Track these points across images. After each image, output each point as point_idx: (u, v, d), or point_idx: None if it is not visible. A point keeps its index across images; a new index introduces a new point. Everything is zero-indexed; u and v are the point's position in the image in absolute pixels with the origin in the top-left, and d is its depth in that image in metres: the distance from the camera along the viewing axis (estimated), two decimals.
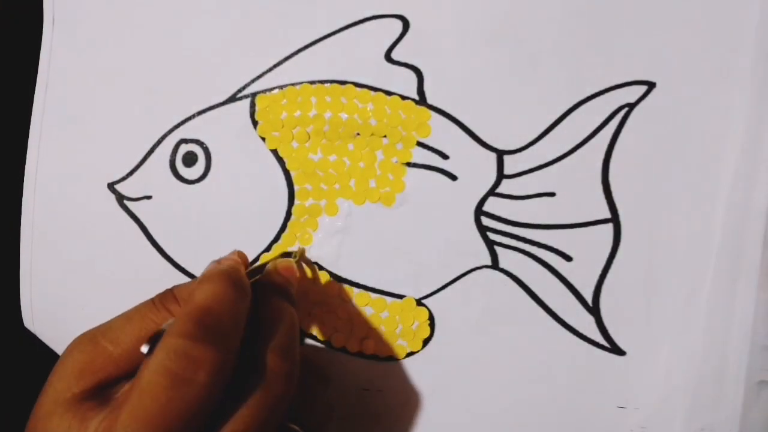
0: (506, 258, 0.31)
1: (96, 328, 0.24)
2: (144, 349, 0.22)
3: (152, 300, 0.25)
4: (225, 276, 0.24)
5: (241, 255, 0.29)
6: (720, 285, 0.30)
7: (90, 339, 0.24)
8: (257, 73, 0.32)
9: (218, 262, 0.26)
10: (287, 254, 0.31)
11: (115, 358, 0.23)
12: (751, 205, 0.30)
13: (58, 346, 0.35)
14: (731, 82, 0.30)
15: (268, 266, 0.29)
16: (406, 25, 0.31)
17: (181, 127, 0.33)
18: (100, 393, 0.23)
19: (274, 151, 0.32)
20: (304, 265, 0.32)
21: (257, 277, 0.28)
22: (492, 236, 0.31)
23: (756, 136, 0.30)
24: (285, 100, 0.32)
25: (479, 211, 0.31)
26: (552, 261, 0.31)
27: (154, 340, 0.22)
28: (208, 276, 0.24)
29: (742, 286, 0.30)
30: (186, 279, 0.33)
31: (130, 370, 0.23)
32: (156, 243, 0.33)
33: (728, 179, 0.30)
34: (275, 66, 0.32)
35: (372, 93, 0.31)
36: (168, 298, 0.25)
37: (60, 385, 0.23)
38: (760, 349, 0.30)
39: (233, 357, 0.22)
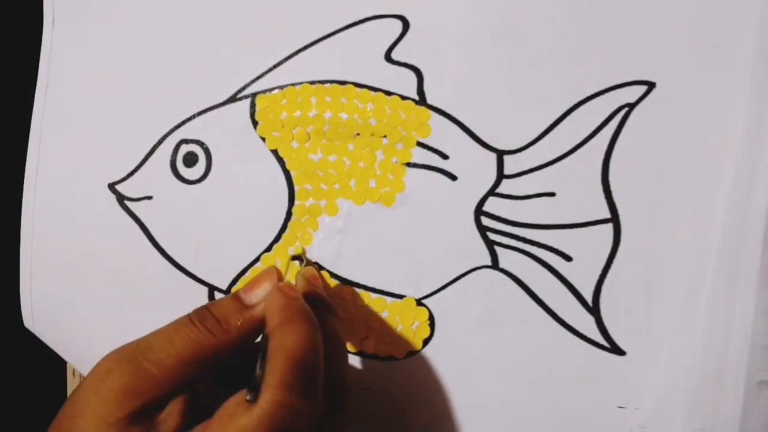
0: (506, 258, 0.31)
1: (134, 346, 0.24)
2: (248, 396, 0.22)
3: (189, 318, 0.25)
4: (305, 316, 0.24)
5: (279, 274, 0.27)
6: (720, 285, 0.30)
7: (130, 361, 0.23)
8: (257, 74, 0.32)
9: (280, 291, 0.25)
10: (296, 257, 0.31)
11: (158, 381, 0.23)
12: (751, 205, 0.30)
13: (58, 346, 0.35)
14: (731, 82, 0.30)
15: (299, 282, 0.28)
16: (406, 25, 0.31)
17: (182, 128, 0.33)
18: (144, 415, 0.23)
19: (275, 152, 0.32)
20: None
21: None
22: (492, 236, 0.31)
23: (756, 136, 0.30)
24: (285, 101, 0.32)
25: (479, 211, 0.31)
26: (552, 261, 0.31)
27: (254, 386, 0.22)
28: (288, 317, 0.24)
29: (742, 286, 0.30)
30: (187, 279, 0.33)
31: (172, 392, 0.24)
32: (157, 243, 0.33)
33: (728, 179, 0.30)
34: (275, 66, 0.32)
35: (372, 93, 0.31)
36: (206, 316, 0.25)
37: (102, 410, 0.22)
38: (760, 349, 0.30)
39: (321, 388, 0.23)
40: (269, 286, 0.26)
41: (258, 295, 0.26)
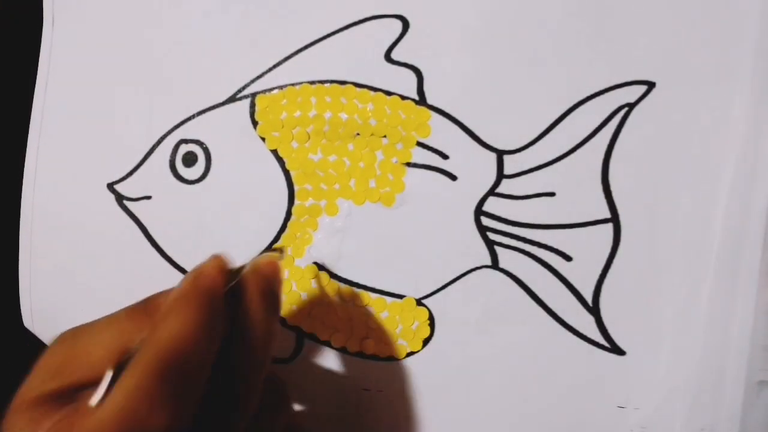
0: (506, 258, 0.31)
1: (83, 326, 0.23)
2: (108, 375, 0.20)
3: (133, 307, 0.23)
4: (198, 305, 0.21)
5: (219, 260, 0.24)
6: (720, 285, 0.30)
7: (73, 337, 0.22)
8: (257, 73, 0.32)
9: (196, 274, 0.23)
10: (273, 250, 0.31)
11: (91, 364, 0.21)
12: (751, 205, 0.30)
13: None
14: (731, 82, 0.30)
15: (249, 267, 0.25)
16: (406, 25, 0.31)
17: (181, 127, 0.33)
18: (68, 395, 0.21)
19: (274, 151, 0.32)
20: (303, 265, 0.32)
21: (235, 281, 0.24)
22: (492, 236, 0.31)
23: (756, 136, 0.30)
24: (285, 100, 0.32)
25: (479, 211, 0.31)
26: (552, 261, 0.31)
27: (121, 365, 0.20)
28: (180, 301, 0.21)
29: (742, 286, 0.30)
30: None
31: (101, 377, 0.21)
32: (156, 243, 0.33)
33: (728, 179, 0.30)
34: (275, 66, 0.32)
35: (372, 93, 0.31)
36: (147, 307, 0.23)
37: (34, 382, 0.22)
38: (760, 349, 0.30)
39: (196, 399, 0.20)
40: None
41: None
